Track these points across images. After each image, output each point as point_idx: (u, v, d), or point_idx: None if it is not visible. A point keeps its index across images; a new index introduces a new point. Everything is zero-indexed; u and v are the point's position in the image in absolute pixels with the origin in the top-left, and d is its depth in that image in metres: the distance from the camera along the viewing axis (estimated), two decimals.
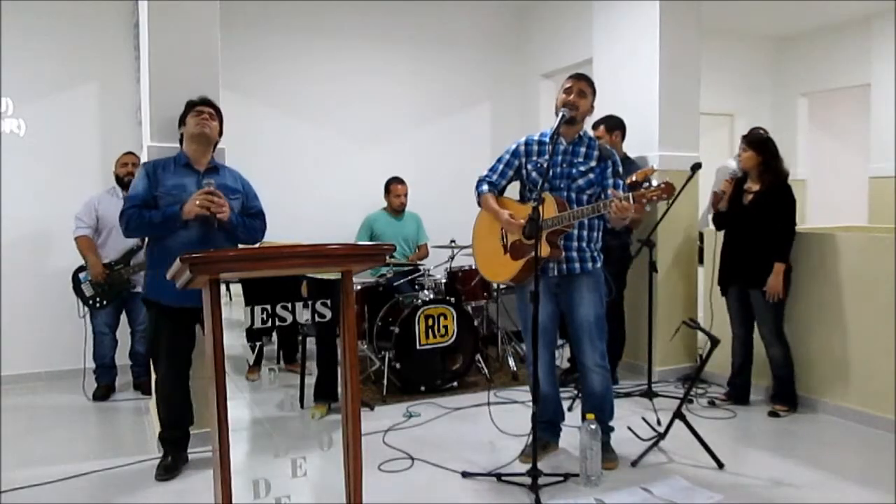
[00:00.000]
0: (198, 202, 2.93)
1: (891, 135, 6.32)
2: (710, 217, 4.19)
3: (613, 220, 2.94)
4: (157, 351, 3.15)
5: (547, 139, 3.13)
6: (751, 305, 3.90)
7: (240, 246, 3.19)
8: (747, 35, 7.51)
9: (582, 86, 3.07)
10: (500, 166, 3.22)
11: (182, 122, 3.15)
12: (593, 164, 3.08)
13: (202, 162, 3.13)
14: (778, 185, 3.79)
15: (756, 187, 3.85)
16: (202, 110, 3.11)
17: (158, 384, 3.18)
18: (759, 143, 3.87)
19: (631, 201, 2.76)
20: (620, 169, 3.15)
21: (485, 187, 3.22)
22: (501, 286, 4.88)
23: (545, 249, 2.94)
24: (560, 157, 3.08)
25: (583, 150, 3.11)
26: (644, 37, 4.60)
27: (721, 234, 4.08)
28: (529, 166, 3.14)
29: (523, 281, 3.08)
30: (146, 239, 3.56)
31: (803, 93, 7.58)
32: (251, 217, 3.23)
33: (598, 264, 3.14)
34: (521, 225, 2.99)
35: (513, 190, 3.29)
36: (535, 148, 3.16)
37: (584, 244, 3.08)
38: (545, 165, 3.03)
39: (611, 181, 3.06)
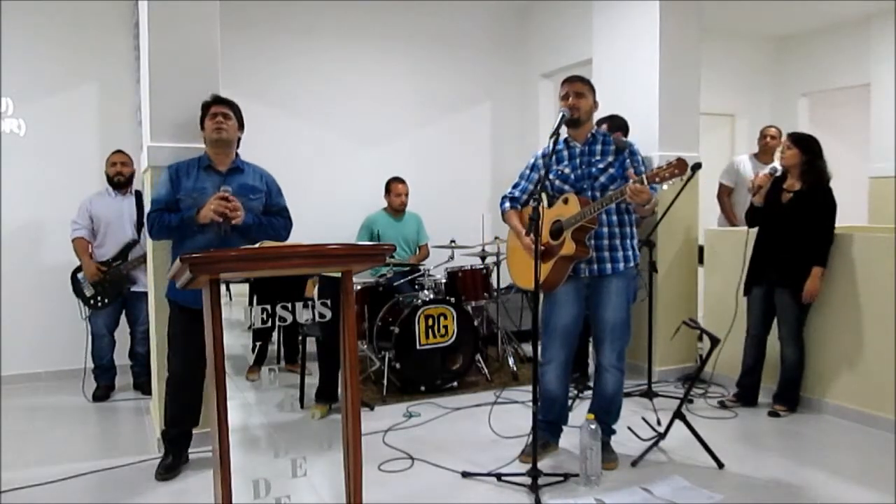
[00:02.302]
0: (213, 207, 2.93)
1: (891, 135, 6.31)
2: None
3: (637, 208, 2.97)
4: (174, 347, 3.13)
5: (561, 145, 3.14)
6: (774, 306, 3.87)
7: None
8: (747, 35, 7.50)
9: (577, 87, 3.08)
10: (522, 182, 3.28)
11: (201, 124, 3.17)
12: (611, 158, 3.08)
13: (224, 163, 3.16)
14: (819, 186, 3.74)
15: (797, 186, 3.80)
16: (216, 112, 3.11)
17: (170, 380, 3.14)
18: (803, 142, 3.82)
19: (645, 182, 2.76)
20: (640, 157, 3.13)
21: (507, 205, 3.28)
22: (502, 286, 4.89)
23: (570, 247, 2.94)
24: (578, 160, 3.10)
25: (598, 147, 3.11)
26: (644, 37, 4.60)
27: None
28: (552, 175, 3.12)
29: (555, 286, 3.06)
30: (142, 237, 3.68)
31: (803, 93, 7.57)
32: (273, 215, 3.24)
33: (632, 263, 3.13)
34: (540, 250, 2.95)
35: None
36: (553, 157, 3.16)
37: (617, 241, 3.07)
38: (566, 171, 3.07)
39: (632, 170, 3.04)
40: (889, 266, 3.58)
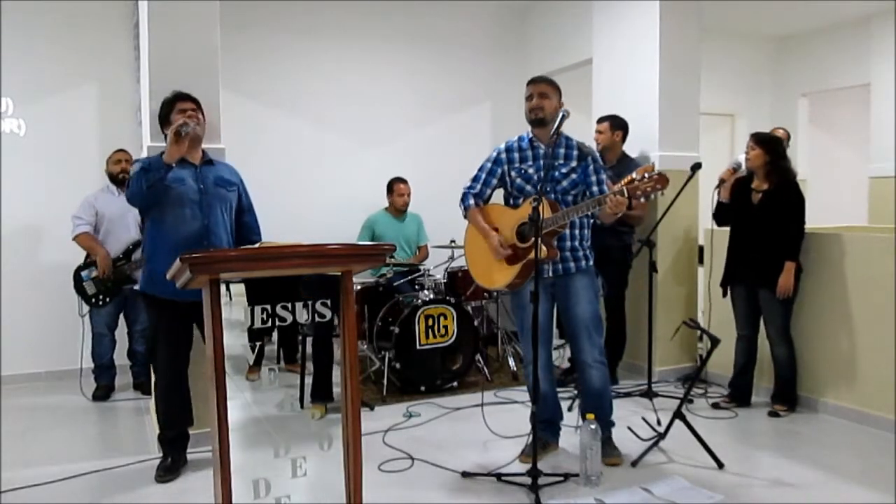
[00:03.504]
0: (173, 129, 2.85)
1: (891, 135, 6.31)
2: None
3: (604, 216, 2.97)
4: (156, 348, 3.13)
5: (526, 144, 3.15)
6: (759, 306, 3.88)
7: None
8: (747, 35, 7.51)
9: (541, 88, 3.08)
10: (483, 175, 3.22)
11: (166, 120, 3.07)
12: (574, 164, 3.10)
13: (195, 157, 3.11)
14: (786, 183, 3.76)
15: (764, 186, 3.81)
16: (185, 108, 3.03)
17: (157, 383, 3.16)
18: (767, 142, 3.82)
19: (625, 195, 2.76)
20: (601, 163, 3.18)
21: (471, 201, 3.21)
22: None
23: (542, 251, 2.94)
24: (542, 161, 3.08)
25: (562, 151, 3.12)
26: (644, 37, 4.60)
27: (725, 233, 4.05)
28: (513, 173, 3.14)
29: (520, 286, 3.09)
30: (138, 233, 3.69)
31: (803, 93, 7.57)
32: (246, 213, 3.29)
33: (590, 262, 3.17)
34: (508, 254, 3.04)
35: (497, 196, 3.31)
36: (517, 155, 3.17)
37: (577, 243, 3.11)
38: (530, 171, 3.08)
39: (594, 178, 3.09)
40: (889, 266, 3.58)
